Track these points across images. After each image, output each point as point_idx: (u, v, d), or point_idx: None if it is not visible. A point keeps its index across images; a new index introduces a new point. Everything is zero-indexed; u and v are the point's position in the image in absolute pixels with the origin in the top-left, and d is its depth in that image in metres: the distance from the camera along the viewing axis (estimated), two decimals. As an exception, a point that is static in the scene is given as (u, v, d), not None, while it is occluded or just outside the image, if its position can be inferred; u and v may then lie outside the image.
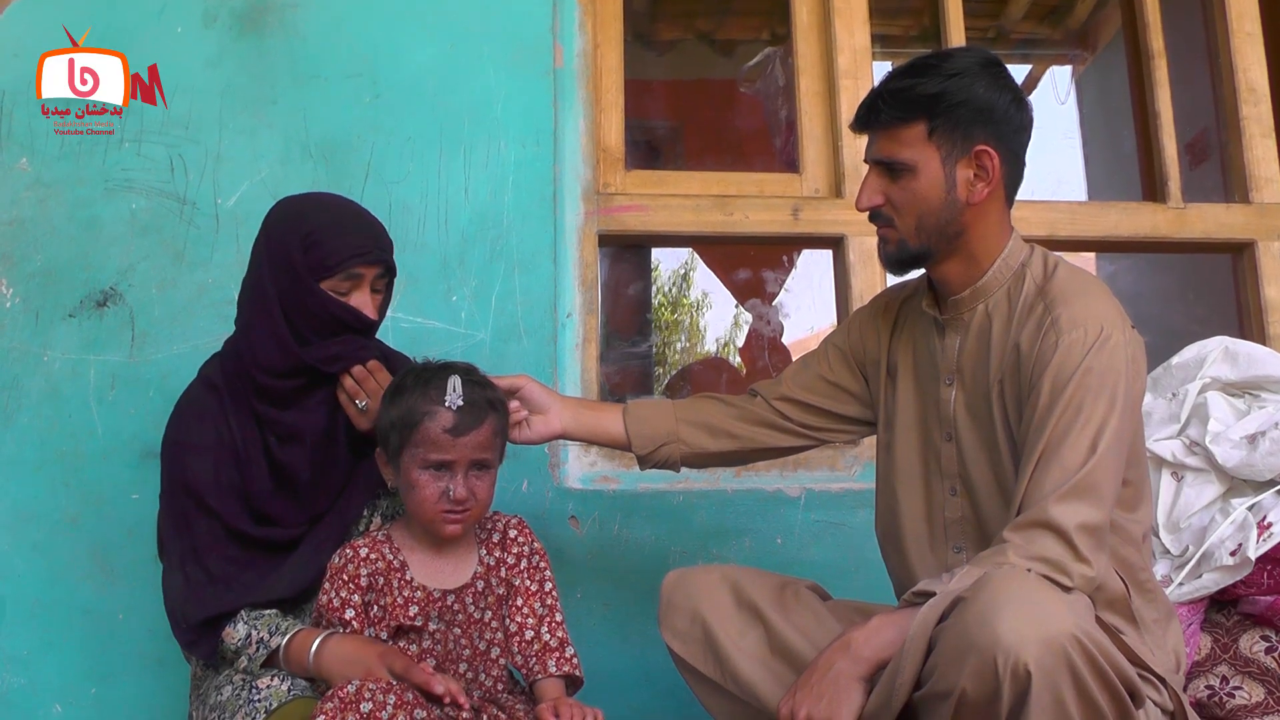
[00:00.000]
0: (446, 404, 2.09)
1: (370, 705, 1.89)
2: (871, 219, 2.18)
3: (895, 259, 2.17)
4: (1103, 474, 1.90)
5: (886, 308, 2.39)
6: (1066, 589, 1.83)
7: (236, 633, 2.14)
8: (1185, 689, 2.33)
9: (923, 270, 2.23)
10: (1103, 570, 1.90)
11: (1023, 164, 2.18)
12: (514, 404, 2.33)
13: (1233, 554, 2.47)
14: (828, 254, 3.49)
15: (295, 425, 2.28)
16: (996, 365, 2.10)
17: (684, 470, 2.83)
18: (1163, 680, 1.96)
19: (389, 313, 2.42)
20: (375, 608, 2.13)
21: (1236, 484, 2.65)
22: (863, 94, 2.21)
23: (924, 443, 2.24)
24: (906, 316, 2.34)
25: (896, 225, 2.13)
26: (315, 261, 2.23)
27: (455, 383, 2.11)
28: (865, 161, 2.17)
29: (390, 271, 2.35)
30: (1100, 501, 1.90)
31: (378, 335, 2.39)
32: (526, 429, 2.36)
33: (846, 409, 2.39)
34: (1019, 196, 3.34)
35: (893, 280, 2.47)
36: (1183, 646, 2.13)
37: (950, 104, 2.06)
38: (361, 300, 2.28)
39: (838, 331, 2.45)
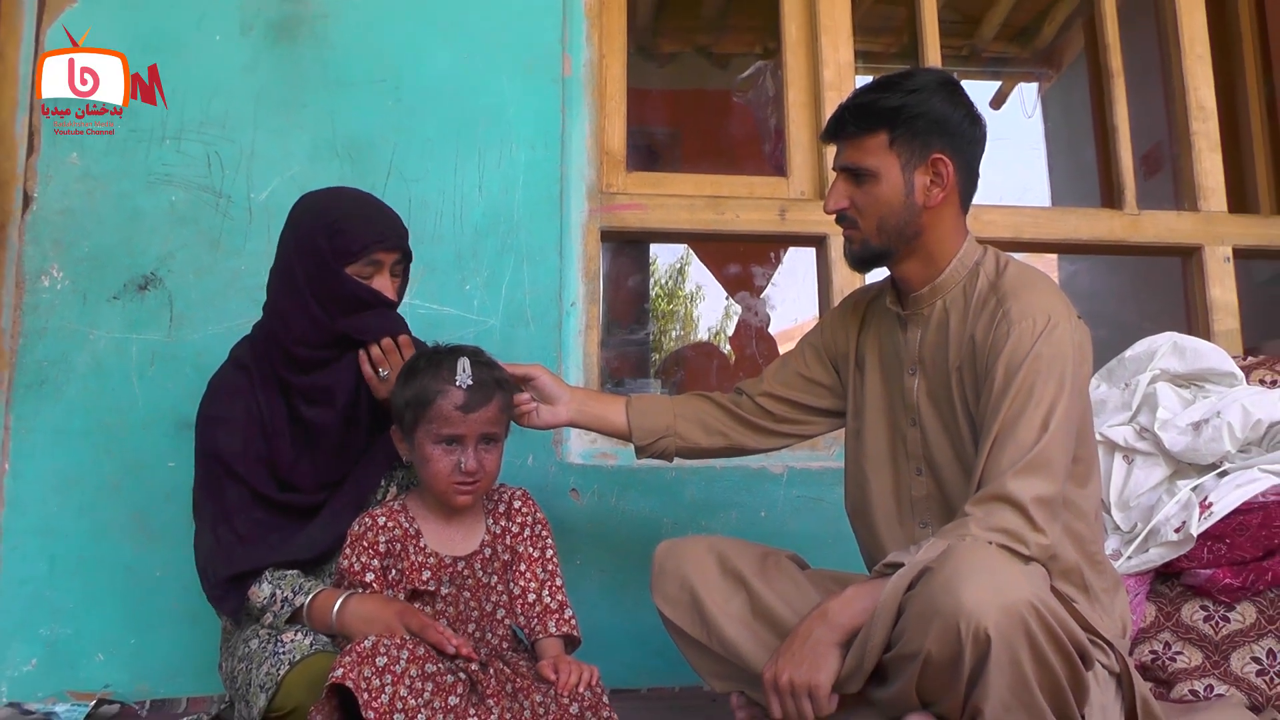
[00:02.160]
0: (457, 383, 2.10)
1: (385, 660, 1.89)
2: (838, 221, 2.19)
3: (859, 257, 2.19)
4: (1054, 450, 1.91)
5: (855, 307, 2.40)
6: (1025, 557, 1.84)
7: (262, 592, 2.14)
8: (1131, 653, 2.34)
9: (886, 270, 2.24)
10: (1057, 539, 1.91)
11: (977, 174, 2.19)
12: (524, 395, 2.34)
13: (1177, 531, 2.47)
14: (811, 251, 3.49)
15: (326, 386, 2.28)
16: (955, 355, 2.10)
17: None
18: (1110, 645, 1.96)
19: (407, 299, 2.42)
20: (393, 571, 2.14)
21: (1182, 467, 2.65)
22: (846, 105, 2.22)
23: (891, 428, 2.25)
24: (873, 314, 2.35)
25: (860, 227, 2.14)
26: (340, 248, 2.24)
27: (465, 364, 2.12)
28: (833, 169, 2.19)
29: (407, 257, 2.36)
30: (1053, 475, 1.90)
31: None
32: (535, 417, 2.35)
33: (821, 401, 2.40)
34: (989, 201, 3.35)
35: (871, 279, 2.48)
36: (1129, 614, 2.14)
37: (909, 115, 2.07)
38: (382, 283, 2.29)
39: (813, 331, 2.46)
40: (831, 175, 2.20)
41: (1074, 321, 2.01)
